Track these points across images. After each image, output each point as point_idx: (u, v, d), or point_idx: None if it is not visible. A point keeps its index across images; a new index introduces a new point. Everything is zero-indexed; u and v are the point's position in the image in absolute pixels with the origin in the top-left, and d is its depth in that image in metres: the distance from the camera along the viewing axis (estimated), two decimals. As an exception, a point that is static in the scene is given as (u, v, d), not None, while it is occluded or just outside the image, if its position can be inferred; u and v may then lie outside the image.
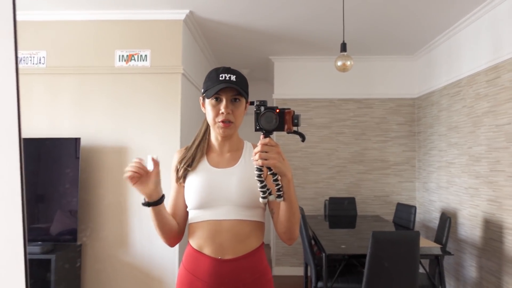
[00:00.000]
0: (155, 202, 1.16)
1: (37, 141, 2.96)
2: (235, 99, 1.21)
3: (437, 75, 4.04)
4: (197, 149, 1.29)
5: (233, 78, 1.20)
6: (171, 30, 3.21)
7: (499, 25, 2.96)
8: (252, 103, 1.26)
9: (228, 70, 1.22)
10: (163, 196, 1.18)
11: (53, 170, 2.95)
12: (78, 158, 2.93)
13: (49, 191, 2.95)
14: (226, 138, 1.27)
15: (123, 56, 3.18)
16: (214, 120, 1.21)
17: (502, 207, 2.92)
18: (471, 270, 3.37)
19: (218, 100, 1.21)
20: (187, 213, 1.29)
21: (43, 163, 2.98)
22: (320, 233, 3.34)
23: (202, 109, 1.28)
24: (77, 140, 2.94)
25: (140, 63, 3.18)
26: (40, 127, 3.14)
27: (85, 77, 3.19)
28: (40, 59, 3.18)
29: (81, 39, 3.21)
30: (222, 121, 1.19)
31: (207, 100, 1.23)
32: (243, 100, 1.24)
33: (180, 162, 1.28)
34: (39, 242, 2.80)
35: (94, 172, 3.13)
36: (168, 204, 1.28)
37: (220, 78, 1.19)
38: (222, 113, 1.19)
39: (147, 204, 1.16)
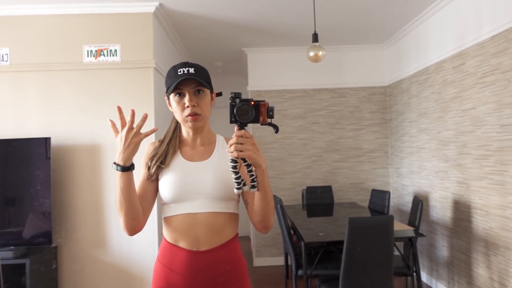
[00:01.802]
0: (130, 167, 1.12)
1: (4, 142, 2.85)
2: (198, 91, 1.22)
3: (406, 63, 4.15)
4: (169, 146, 1.29)
5: (191, 70, 1.20)
6: (141, 23, 3.15)
7: (463, 13, 3.07)
8: (219, 94, 1.28)
9: (185, 64, 1.22)
10: (133, 164, 1.14)
11: (23, 172, 2.85)
12: (49, 158, 2.84)
13: (19, 194, 2.85)
14: (197, 131, 1.28)
15: (91, 51, 3.09)
16: (181, 115, 1.22)
17: (469, 188, 3.05)
18: (443, 250, 3.52)
19: (182, 96, 1.22)
20: (151, 206, 1.27)
21: (12, 165, 2.87)
22: (299, 222, 3.39)
23: (170, 108, 1.28)
24: (47, 140, 2.85)
25: (110, 58, 3.10)
26: (6, 128, 3.02)
27: (52, 73, 3.08)
28: (2, 56, 3.05)
29: (46, 34, 3.09)
30: (189, 115, 1.20)
31: (171, 98, 1.24)
32: (207, 91, 1.24)
33: (151, 158, 1.27)
34: (12, 247, 2.71)
35: (67, 172, 3.04)
36: None
37: (179, 73, 1.20)
38: (188, 106, 1.20)
39: (124, 168, 1.11)
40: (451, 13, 3.25)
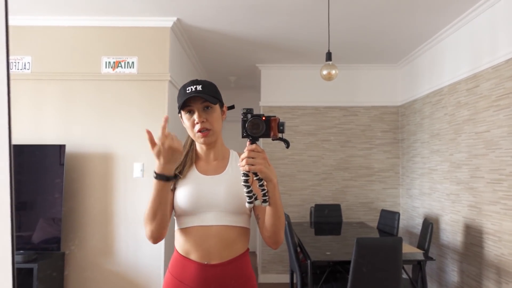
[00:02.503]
0: (173, 177, 1.13)
1: (21, 148, 2.92)
2: (206, 107, 1.25)
3: (420, 84, 4.15)
4: (186, 157, 1.32)
5: (199, 88, 1.23)
6: (158, 37, 3.23)
7: (479, 35, 3.07)
8: (231, 107, 1.31)
9: (193, 82, 1.26)
10: (177, 174, 1.19)
11: (37, 177, 2.91)
12: (63, 165, 2.89)
13: (32, 199, 2.90)
14: (210, 146, 1.31)
15: (109, 62, 3.18)
16: (192, 132, 1.27)
17: (481, 212, 3.00)
18: (452, 274, 3.43)
19: (191, 113, 1.26)
20: (171, 215, 1.29)
21: (26, 169, 2.94)
22: (306, 240, 3.36)
23: (184, 125, 1.32)
24: (61, 147, 2.91)
25: (127, 70, 3.18)
26: (24, 133, 3.10)
27: (71, 83, 3.16)
28: (25, 65, 3.15)
29: (67, 45, 3.19)
30: (199, 131, 1.23)
31: (182, 115, 1.28)
32: (216, 107, 1.27)
33: None
34: (21, 251, 2.75)
35: (79, 179, 3.09)
36: None
37: (187, 91, 1.24)
38: (197, 123, 1.24)
39: (166, 178, 1.10)
40: (466, 35, 3.25)
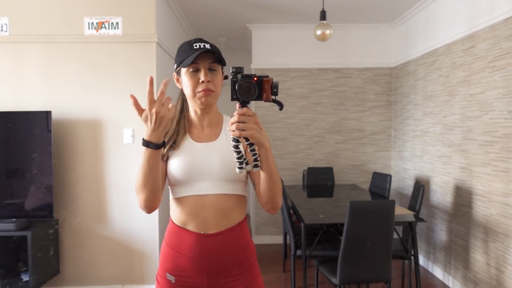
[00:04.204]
0: (162, 144, 1.06)
1: (5, 115, 2.82)
2: (213, 68, 1.19)
3: (414, 44, 4.06)
4: (179, 125, 1.26)
5: (207, 46, 1.17)
6: (143, -5, 3.05)
7: (477, -7, 2.96)
8: (226, 78, 1.16)
9: (201, 40, 1.19)
10: (165, 141, 1.10)
11: (24, 145, 2.84)
12: (50, 131, 2.82)
13: (21, 166, 2.85)
14: (205, 111, 1.24)
15: (92, 23, 3.02)
16: (193, 91, 1.18)
17: (472, 174, 3.03)
18: (441, 234, 3.54)
19: (196, 71, 1.18)
20: (164, 184, 1.25)
21: (13, 137, 2.86)
22: (299, 203, 3.40)
23: (178, 85, 1.24)
24: (48, 114, 2.82)
25: (112, 31, 3.03)
26: (7, 100, 2.99)
27: (53, 45, 3.01)
28: (2, 26, 2.97)
29: (46, 4, 3.00)
30: (203, 90, 1.16)
31: (183, 73, 1.20)
32: (219, 70, 1.22)
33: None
34: (14, 219, 2.73)
35: (68, 146, 3.03)
36: None
37: (195, 47, 1.16)
38: (203, 81, 1.16)
39: (155, 145, 1.04)
40: (464, -7, 3.14)
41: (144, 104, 1.04)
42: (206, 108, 1.23)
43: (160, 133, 1.04)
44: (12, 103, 2.98)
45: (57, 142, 2.97)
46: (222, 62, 1.19)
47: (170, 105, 1.03)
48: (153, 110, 1.00)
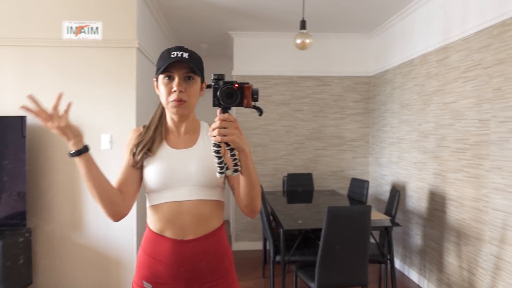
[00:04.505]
0: (83, 148, 1.09)
1: (-23, 119, 2.74)
2: (188, 77, 1.19)
3: (392, 54, 4.18)
4: (155, 132, 1.26)
5: (185, 55, 1.17)
6: (124, 0, 3.03)
7: (450, 6, 3.08)
8: (209, 86, 1.19)
9: (180, 48, 1.19)
10: (87, 145, 1.11)
11: (-3, 150, 2.76)
12: (24, 137, 2.75)
13: (-7, 172, 2.76)
14: (182, 118, 1.25)
15: (71, 28, 2.98)
16: (166, 99, 1.19)
17: (446, 180, 3.14)
18: (416, 238, 3.63)
19: (171, 79, 1.18)
20: (137, 189, 1.25)
21: (-15, 142, 2.77)
22: (278, 209, 3.42)
23: (156, 91, 1.24)
24: (22, 118, 2.76)
25: (91, 36, 3.00)
26: (-20, 104, 2.90)
27: (30, 49, 2.95)
28: (-24, 29, 2.90)
29: (23, 7, 2.95)
30: (175, 100, 1.17)
31: (159, 80, 1.20)
32: (197, 79, 1.21)
33: (137, 145, 1.24)
34: (-15, 227, 2.64)
35: (43, 151, 2.96)
36: (116, 179, 1.24)
37: (172, 56, 1.17)
38: (175, 91, 1.17)
39: (76, 153, 1.08)
40: (438, 6, 3.26)
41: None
42: (181, 116, 1.23)
43: (73, 139, 1.08)
44: (-15, 107, 2.90)
45: (31, 147, 2.90)
46: (197, 73, 1.18)
47: (62, 112, 1.07)
48: (54, 126, 1.05)
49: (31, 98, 1.05)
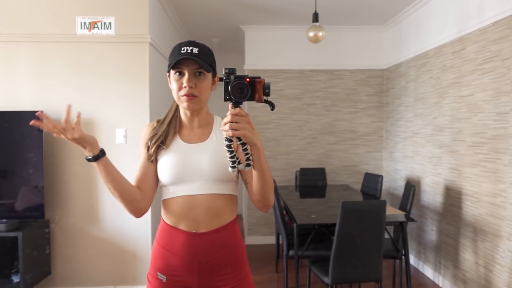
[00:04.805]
0: (99, 153, 1.11)
1: (-5, 115, 2.79)
2: (199, 72, 1.18)
3: (406, 47, 4.10)
4: (169, 126, 1.27)
5: (195, 50, 1.16)
6: (136, -4, 3.04)
7: (467, -3, 3.01)
8: (221, 80, 1.17)
9: (191, 43, 1.18)
10: (103, 150, 1.13)
11: (16, 145, 2.81)
12: (41, 131, 2.80)
13: (12, 166, 2.82)
14: (194, 112, 1.25)
15: (85, 23, 3.00)
16: (177, 95, 1.20)
17: (462, 174, 3.08)
18: (431, 234, 3.58)
19: (181, 74, 1.18)
20: (155, 185, 1.27)
21: (3, 137, 2.83)
22: (291, 203, 3.41)
23: (170, 86, 1.25)
24: (39, 113, 2.80)
25: (104, 31, 3.02)
26: (-3, 100, 2.96)
27: (45, 45, 2.99)
28: (-8, 26, 2.95)
29: (38, 4, 2.98)
30: (185, 95, 1.17)
31: (171, 75, 1.21)
32: (208, 74, 1.21)
33: (151, 139, 1.26)
34: (4, 220, 2.70)
35: (60, 146, 3.01)
36: (135, 175, 1.26)
37: (182, 51, 1.16)
38: (185, 86, 1.17)
39: (92, 158, 1.10)
40: (454, -3, 3.18)
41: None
42: (192, 111, 1.24)
43: (89, 147, 1.09)
44: (2, 103, 2.96)
45: (49, 142, 2.95)
46: (207, 69, 1.17)
47: (75, 125, 1.07)
48: (69, 137, 1.06)
49: (42, 115, 1.07)
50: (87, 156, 1.11)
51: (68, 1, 3.00)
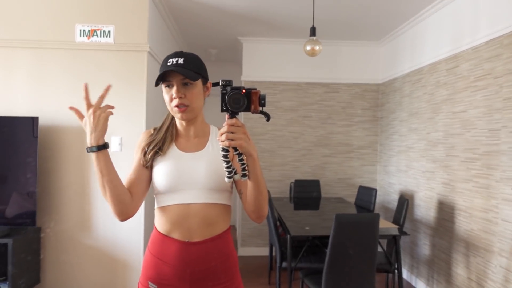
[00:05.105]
0: (105, 145, 1.11)
1: (-10, 119, 2.78)
2: (186, 82, 1.19)
3: (401, 62, 4.17)
4: (166, 133, 1.28)
5: (180, 61, 1.18)
6: (136, 5, 3.08)
7: (461, 15, 3.08)
8: (216, 84, 1.18)
9: (177, 54, 1.20)
10: (107, 143, 1.13)
11: (9, 150, 2.79)
12: (36, 137, 2.78)
13: (4, 172, 2.80)
14: (189, 122, 1.26)
15: (84, 31, 3.02)
16: (170, 106, 1.21)
17: (455, 189, 3.11)
18: (424, 248, 3.59)
19: (170, 86, 1.20)
20: (145, 190, 1.26)
21: (-3, 142, 2.81)
22: (285, 215, 3.41)
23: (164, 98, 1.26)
24: (34, 119, 2.79)
25: (103, 39, 3.04)
26: (-7, 104, 2.95)
27: (43, 51, 3.00)
28: (-9, 31, 2.95)
29: (38, 10, 3.00)
30: (177, 106, 1.19)
31: (162, 88, 1.23)
32: (197, 83, 1.21)
33: (148, 145, 1.26)
34: (-6, 226, 2.67)
35: (54, 152, 3.00)
36: (126, 177, 1.25)
37: (168, 63, 1.18)
38: (175, 98, 1.19)
39: (96, 147, 1.09)
40: (448, 15, 3.26)
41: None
42: (187, 120, 1.25)
43: (98, 133, 1.09)
44: (-2, 108, 2.95)
45: (42, 148, 2.94)
46: (192, 78, 1.16)
47: (108, 110, 1.10)
48: (90, 111, 1.08)
49: (86, 86, 1.11)
50: (90, 145, 1.09)
51: (68, 9, 3.02)
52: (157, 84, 1.19)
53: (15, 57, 2.98)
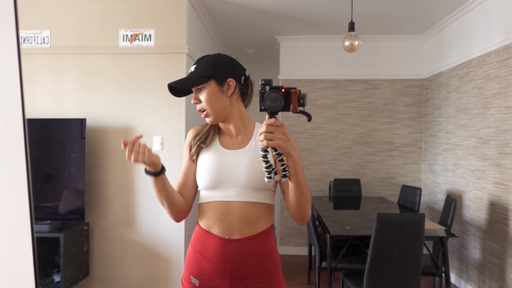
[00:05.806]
0: (161, 170, 1.17)
1: (43, 122, 2.97)
2: (199, 88, 1.22)
3: (447, 56, 3.96)
4: (211, 128, 1.31)
5: (192, 68, 1.24)
6: (175, 9, 3.16)
7: (511, 4, 2.87)
8: (242, 81, 1.25)
9: (195, 62, 1.25)
10: (164, 167, 1.19)
11: (60, 150, 2.97)
12: (84, 138, 2.94)
13: (56, 171, 2.98)
14: (223, 122, 1.28)
15: (127, 35, 3.15)
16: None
17: (508, 189, 2.90)
18: (474, 251, 3.38)
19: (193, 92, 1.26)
20: (195, 190, 1.31)
21: (50, 143, 3.00)
22: (325, 214, 3.35)
23: None
24: (82, 121, 2.95)
25: (145, 43, 3.15)
26: (45, 108, 3.15)
27: (89, 57, 3.16)
28: (43, 39, 3.15)
29: (84, 18, 3.17)
30: (199, 111, 1.24)
31: None
32: (207, 85, 1.20)
33: (194, 137, 1.30)
34: (48, 221, 2.84)
35: (100, 152, 3.14)
36: (177, 180, 1.31)
37: (190, 71, 1.25)
38: (194, 103, 1.25)
39: (153, 173, 1.16)
40: (498, 4, 3.05)
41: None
42: (213, 123, 1.28)
43: (150, 166, 1.14)
44: (50, 111, 3.14)
45: (89, 148, 3.09)
46: (195, 84, 1.20)
47: (142, 144, 1.13)
48: (132, 159, 1.11)
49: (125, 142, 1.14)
50: (147, 170, 1.16)
51: (112, 15, 3.16)
52: (175, 94, 1.26)
53: (65, 63, 3.16)
